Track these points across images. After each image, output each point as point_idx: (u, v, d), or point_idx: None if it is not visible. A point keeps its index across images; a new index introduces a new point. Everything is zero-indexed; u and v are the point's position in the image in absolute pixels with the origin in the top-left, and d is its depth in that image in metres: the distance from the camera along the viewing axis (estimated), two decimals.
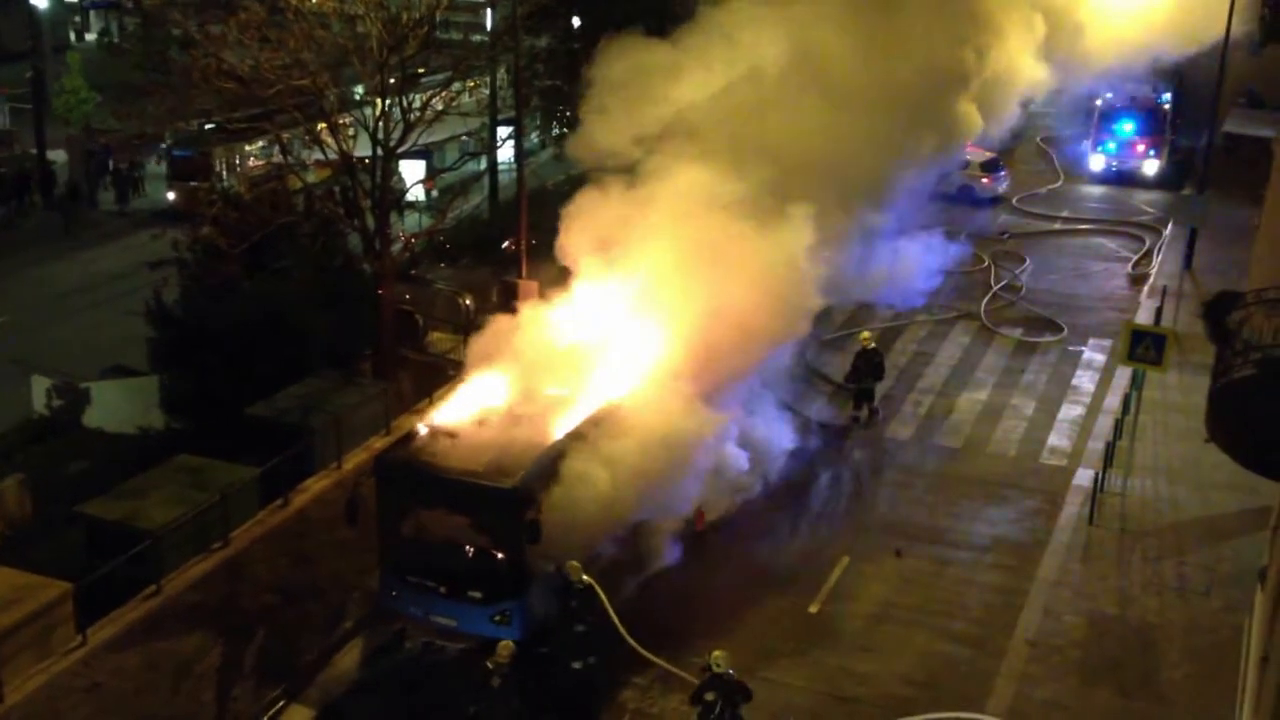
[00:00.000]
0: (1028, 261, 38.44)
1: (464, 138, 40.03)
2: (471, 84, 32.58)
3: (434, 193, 33.80)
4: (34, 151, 47.02)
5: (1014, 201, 44.56)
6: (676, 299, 22.02)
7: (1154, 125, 47.30)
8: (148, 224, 38.26)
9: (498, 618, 18.76)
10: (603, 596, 18.90)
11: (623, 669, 19.47)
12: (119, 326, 29.66)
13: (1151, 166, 47.46)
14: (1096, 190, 47.09)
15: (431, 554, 19.26)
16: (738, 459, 23.46)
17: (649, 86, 23.91)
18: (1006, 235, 40.78)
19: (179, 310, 25.57)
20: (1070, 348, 32.59)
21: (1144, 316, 32.38)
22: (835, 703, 19.23)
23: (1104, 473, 24.86)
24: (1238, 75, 42.13)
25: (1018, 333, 33.46)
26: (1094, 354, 32.17)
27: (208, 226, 24.64)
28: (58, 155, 47.49)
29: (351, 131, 25.52)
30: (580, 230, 22.71)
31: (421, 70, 27.29)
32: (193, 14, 24.07)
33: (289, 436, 21.92)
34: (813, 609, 21.51)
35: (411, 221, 33.36)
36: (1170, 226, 39.76)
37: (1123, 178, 47.52)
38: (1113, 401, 28.75)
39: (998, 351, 32.43)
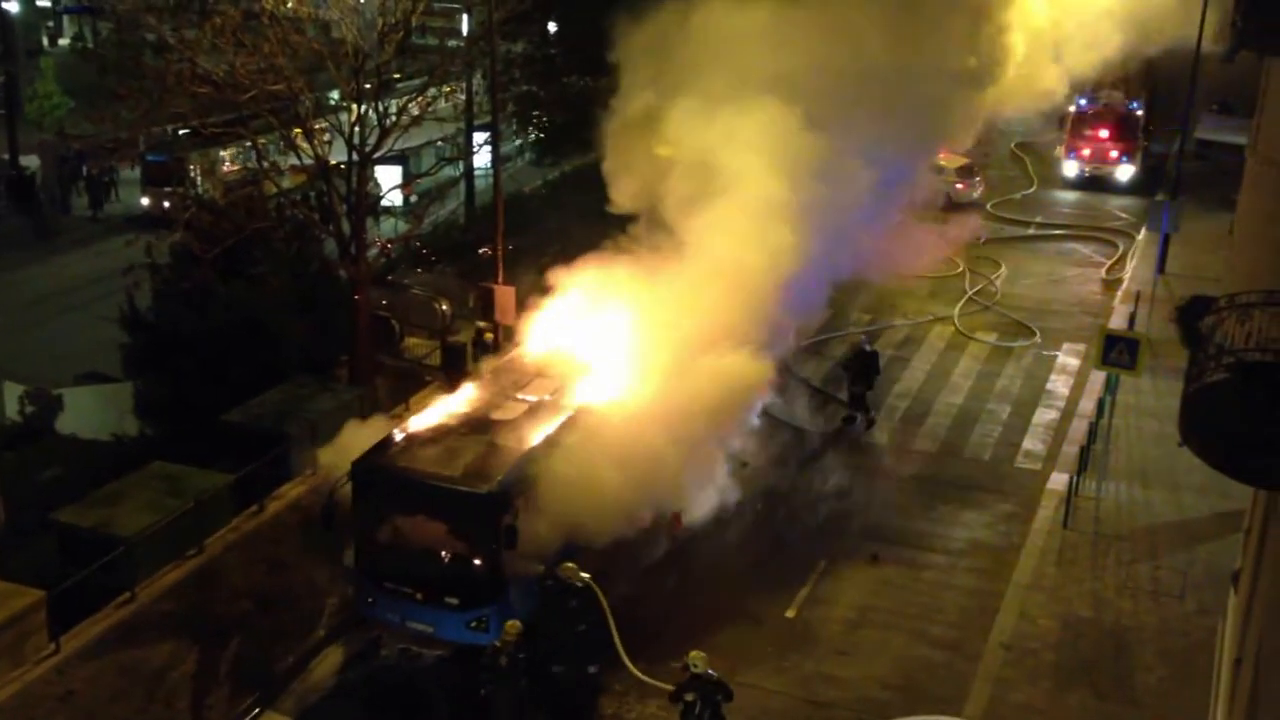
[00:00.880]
0: (1002, 267, 38.61)
1: (440, 143, 39.99)
2: (448, 89, 32.53)
3: (412, 198, 33.73)
4: (5, 157, 46.75)
5: (988, 207, 44.76)
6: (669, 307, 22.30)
7: (1127, 131, 47.62)
8: (121, 229, 38.14)
9: (474, 624, 18.73)
10: (601, 596, 18.92)
11: (603, 674, 19.47)
12: (92, 332, 29.48)
13: (1125, 172, 47.77)
14: (1070, 196, 47.38)
15: (408, 560, 19.21)
16: (715, 463, 23.50)
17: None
18: (981, 240, 40.94)
19: (153, 316, 25.45)
20: (1045, 352, 32.75)
21: (1117, 321, 32.55)
22: (811, 707, 19.24)
23: (1078, 477, 24.98)
24: (1210, 83, 42.47)
25: (993, 338, 33.60)
26: (1068, 358, 32.33)
27: (182, 232, 24.54)
28: (30, 161, 47.20)
29: (327, 137, 25.47)
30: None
31: (397, 75, 27.26)
32: (167, 18, 23.95)
33: (264, 443, 21.85)
34: (789, 613, 21.53)
35: (388, 227, 33.29)
36: (1143, 232, 40.00)
37: (1096, 183, 47.82)
38: (1087, 406, 28.88)
39: (973, 356, 32.56)
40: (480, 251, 31.48)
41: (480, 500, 18.56)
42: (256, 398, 23.29)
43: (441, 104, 28.29)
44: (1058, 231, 43.04)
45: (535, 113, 42.63)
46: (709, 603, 21.58)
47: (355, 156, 25.12)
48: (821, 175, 23.21)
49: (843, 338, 31.95)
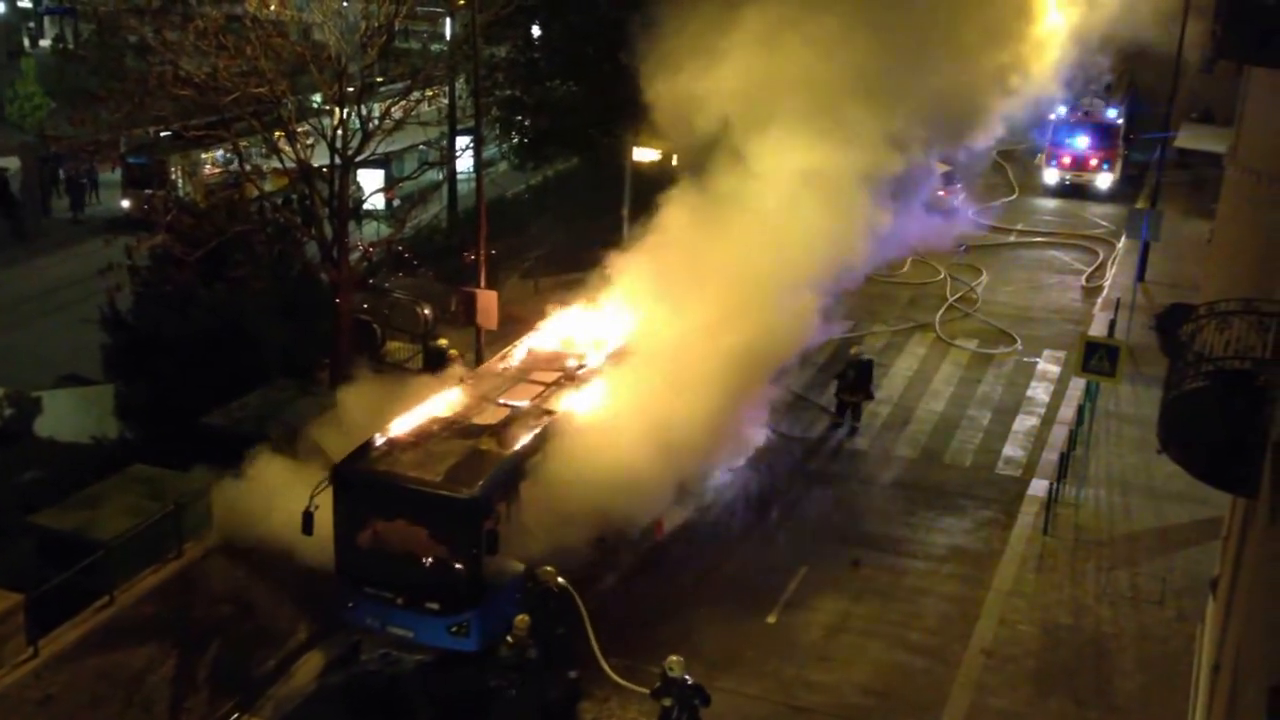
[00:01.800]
0: (983, 274, 38.74)
1: (423, 147, 39.92)
2: (431, 93, 32.47)
3: (394, 202, 33.66)
4: None
5: (970, 214, 44.90)
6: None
7: (1107, 140, 47.84)
8: (102, 231, 37.97)
9: (455, 629, 18.70)
10: (579, 601, 18.92)
11: (583, 680, 19.48)
12: (72, 335, 29.33)
13: (1105, 180, 47.98)
14: (1051, 204, 47.59)
15: (389, 564, 19.16)
16: (699, 468, 23.56)
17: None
18: (963, 248, 41.06)
19: (133, 318, 25.33)
20: (1025, 359, 32.87)
21: (1098, 329, 32.69)
22: (792, 712, 19.27)
23: (1058, 483, 25.09)
24: (1191, 92, 42.77)
25: (973, 344, 33.70)
26: (1049, 365, 32.44)
27: (162, 234, 24.44)
28: (10, 162, 46.93)
29: (309, 140, 25.39)
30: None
31: (380, 79, 27.20)
32: (149, 20, 23.85)
33: (244, 446, 21.74)
34: (770, 619, 21.56)
35: (370, 230, 33.21)
36: (1123, 239, 40.19)
37: (1077, 191, 48.04)
38: (1067, 413, 29.00)
39: (954, 363, 32.66)
40: (463, 256, 31.42)
41: (461, 505, 18.53)
42: (237, 401, 23.18)
43: (424, 108, 28.19)
44: (1039, 239, 43.20)
45: (519, 117, 42.56)
46: (690, 607, 21.60)
47: (337, 160, 25.06)
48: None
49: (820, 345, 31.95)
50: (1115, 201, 46.45)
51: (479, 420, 20.70)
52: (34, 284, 38.07)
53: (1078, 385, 29.28)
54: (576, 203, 39.91)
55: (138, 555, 18.93)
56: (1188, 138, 44.73)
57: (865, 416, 28.78)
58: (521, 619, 18.01)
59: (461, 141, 38.69)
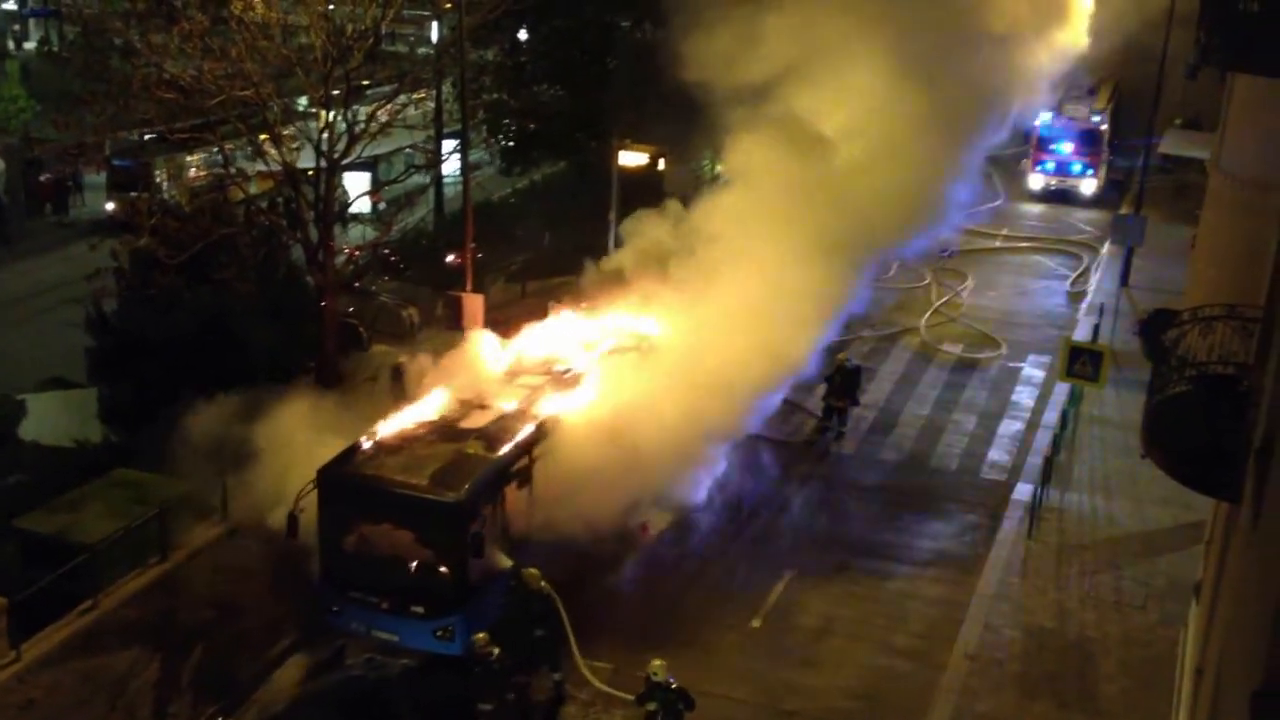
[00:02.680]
0: (969, 279, 38.83)
1: (409, 150, 39.90)
2: (417, 96, 32.44)
3: (380, 205, 33.62)
4: None
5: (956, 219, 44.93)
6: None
7: (1092, 145, 48.01)
8: (86, 234, 37.82)
9: (440, 633, 18.67)
10: (561, 608, 18.91)
11: (568, 683, 19.47)
12: (57, 338, 29.25)
13: (1089, 186, 48.15)
14: (1036, 209, 47.74)
15: (374, 568, 19.13)
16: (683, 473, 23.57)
17: None
18: (948, 253, 41.14)
19: (118, 321, 25.25)
20: (1010, 364, 32.95)
21: (1082, 333, 32.80)
22: (777, 717, 19.28)
23: (1043, 487, 25.15)
24: (1176, 98, 42.88)
25: (959, 349, 33.78)
26: (1033, 370, 32.54)
27: (147, 237, 24.36)
28: None
29: (295, 143, 25.34)
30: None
31: (366, 82, 27.16)
32: (134, 23, 23.79)
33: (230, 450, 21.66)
34: (755, 623, 21.57)
35: (356, 234, 33.16)
36: (1107, 245, 40.33)
37: (1061, 196, 48.19)
38: (1051, 417, 29.08)
39: (939, 367, 32.73)
40: (448, 259, 31.40)
41: (447, 509, 18.51)
42: (222, 405, 23.10)
43: (411, 111, 28.16)
44: (1023, 244, 43.33)
45: (505, 120, 42.54)
46: (675, 610, 21.61)
47: (323, 163, 25.02)
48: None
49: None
50: (1100, 206, 46.63)
51: (465, 424, 20.69)
52: (17, 287, 37.93)
53: (1062, 390, 29.38)
54: (563, 207, 39.88)
55: (122, 559, 18.88)
56: (1172, 143, 44.92)
57: (851, 420, 28.81)
58: (481, 635, 17.94)
59: (448, 145, 38.63)
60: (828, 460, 27.54)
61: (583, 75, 39.54)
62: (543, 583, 18.95)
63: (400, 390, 23.38)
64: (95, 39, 24.49)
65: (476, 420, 20.82)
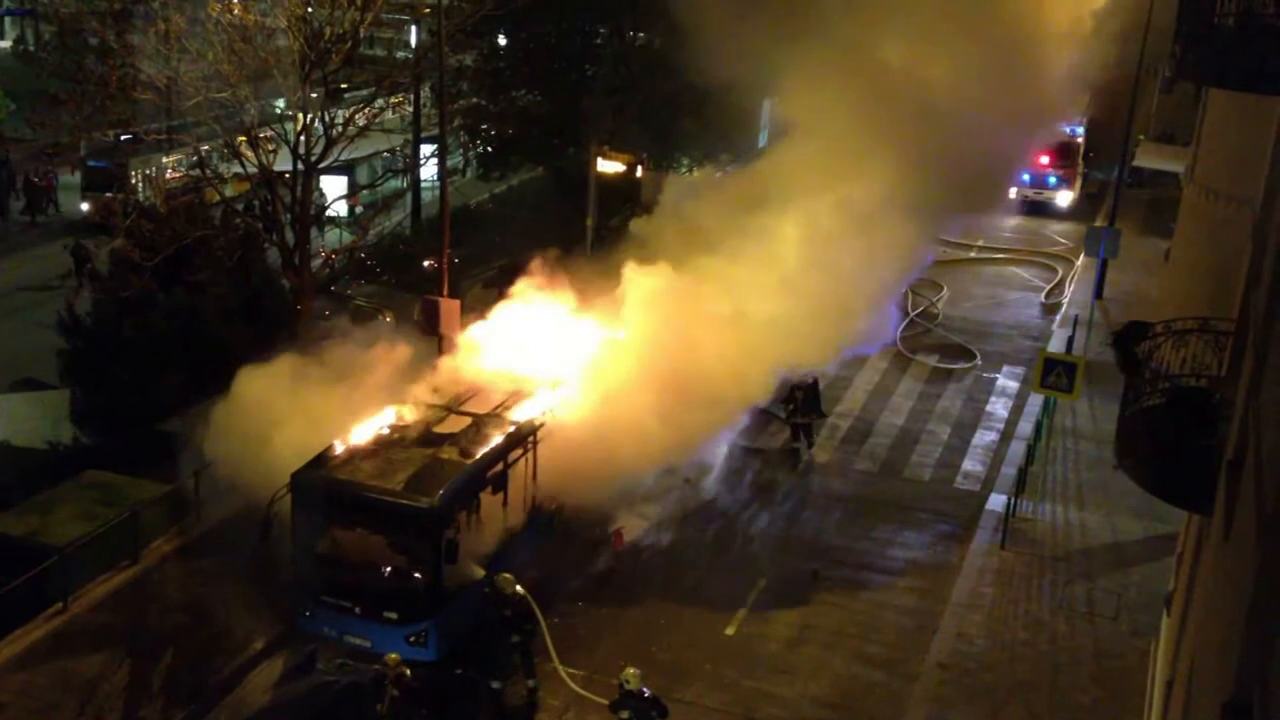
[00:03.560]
0: (944, 289, 38.98)
1: (386, 154, 39.86)
2: (396, 100, 32.42)
3: (357, 209, 33.56)
4: None
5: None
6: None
7: (1067, 158, 48.31)
8: (60, 235, 37.59)
9: (413, 638, 18.60)
10: (536, 608, 18.86)
11: (541, 690, 19.43)
12: (29, 338, 29.06)
13: (1065, 198, 48.44)
14: (1011, 221, 47.95)
15: (346, 573, 19.05)
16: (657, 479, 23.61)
17: None
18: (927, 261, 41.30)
19: (91, 322, 25.13)
20: (985, 374, 33.08)
21: (1056, 345, 32.97)
22: None
23: (1016, 498, 25.25)
24: (1152, 113, 43.21)
25: (934, 359, 33.88)
26: (1008, 381, 32.67)
27: (121, 238, 24.26)
28: None
29: (272, 145, 25.27)
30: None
31: (344, 85, 27.12)
32: (111, 22, 23.71)
33: (203, 452, 21.58)
34: (729, 631, 21.55)
35: (333, 237, 33.07)
36: (1082, 257, 40.55)
37: (1037, 208, 48.46)
38: (1025, 428, 29.20)
39: (914, 377, 32.82)
40: (425, 264, 31.36)
41: (421, 514, 18.44)
42: (195, 407, 23.01)
43: (389, 115, 28.14)
44: (999, 256, 43.53)
45: (484, 125, 42.54)
46: (649, 618, 21.58)
47: (300, 166, 24.95)
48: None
49: None
50: (1075, 219, 46.89)
51: (440, 429, 20.62)
52: None
53: (1036, 401, 29.51)
54: (541, 212, 39.90)
55: (92, 561, 18.77)
56: (1146, 157, 45.24)
57: (825, 430, 28.84)
58: (391, 656, 17.84)
59: (425, 149, 38.61)
60: (801, 469, 27.53)
61: (561, 82, 39.58)
62: (517, 587, 18.90)
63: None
64: (71, 38, 24.44)
65: (452, 425, 20.75)
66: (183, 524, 20.79)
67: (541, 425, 21.22)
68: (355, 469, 19.38)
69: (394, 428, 20.63)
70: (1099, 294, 37.33)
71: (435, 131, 31.29)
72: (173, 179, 41.37)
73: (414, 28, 41.31)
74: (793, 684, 20.21)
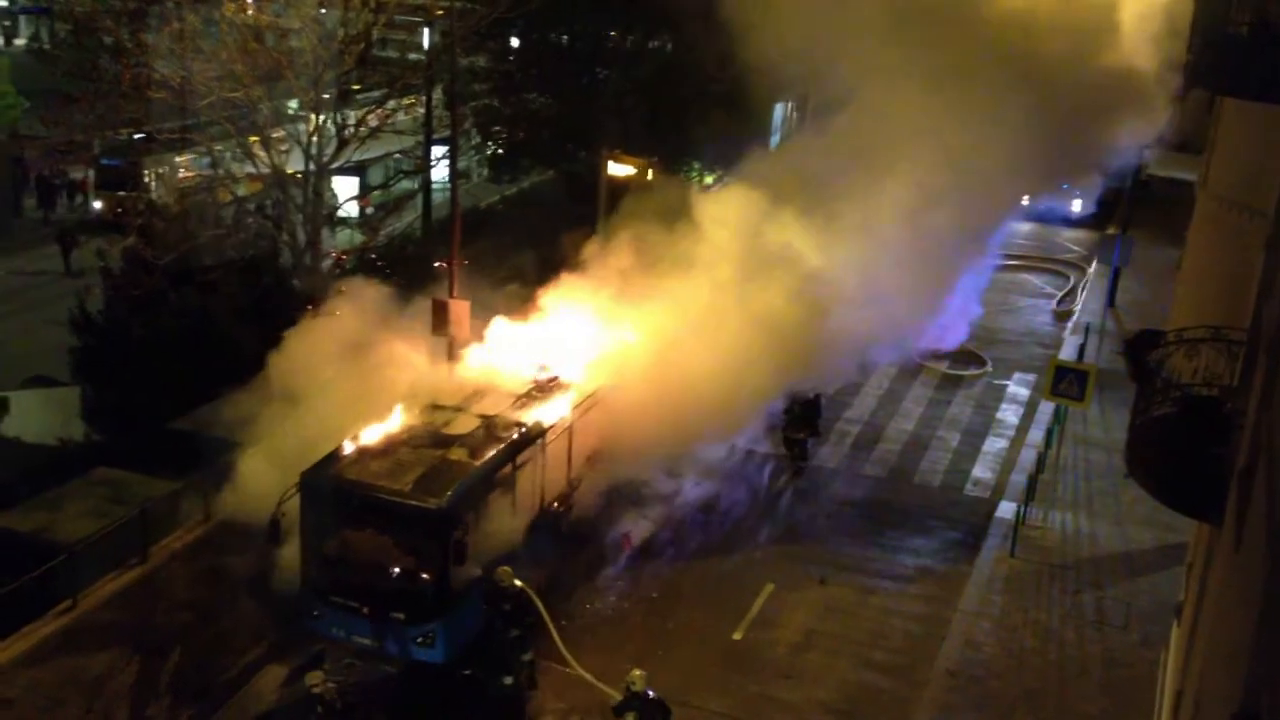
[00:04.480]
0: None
1: (398, 156, 39.90)
2: (407, 101, 32.45)
3: (368, 210, 33.57)
4: None
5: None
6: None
7: None
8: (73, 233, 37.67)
9: (421, 639, 18.59)
10: (537, 600, 18.84)
11: (545, 694, 19.42)
12: (41, 335, 29.13)
13: (1078, 205, 48.29)
14: (1024, 227, 47.82)
15: (355, 574, 19.04)
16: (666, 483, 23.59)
17: None
18: None
19: (103, 320, 25.18)
20: (995, 381, 33.01)
21: (1067, 353, 32.89)
22: None
23: (1026, 506, 25.18)
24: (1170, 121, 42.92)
25: (944, 365, 33.82)
26: (1018, 388, 32.61)
27: (134, 236, 24.31)
28: None
29: (284, 146, 25.31)
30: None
31: (357, 87, 27.15)
32: (125, 22, 23.76)
33: (212, 451, 21.59)
34: (736, 635, 21.54)
35: (343, 237, 33.10)
36: (1094, 264, 40.46)
37: (1049, 216, 48.32)
38: (1036, 435, 29.14)
39: (924, 383, 32.77)
40: (435, 265, 31.31)
41: (430, 515, 18.43)
42: (206, 406, 23.03)
43: (400, 116, 28.15)
44: (1011, 262, 43.44)
45: (495, 127, 42.56)
46: (656, 622, 21.57)
47: (312, 166, 24.98)
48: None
49: None
50: (1087, 226, 46.76)
51: (449, 430, 20.61)
52: (2, 284, 37.74)
53: (1047, 408, 29.44)
54: (551, 215, 39.86)
55: (101, 559, 18.76)
56: (1160, 164, 45.11)
57: (835, 435, 28.78)
58: (312, 674, 17.82)
59: (436, 151, 38.64)
60: (810, 473, 27.47)
61: (573, 85, 39.58)
62: (515, 580, 18.83)
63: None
64: (86, 37, 24.48)
65: (461, 426, 20.74)
66: (191, 522, 20.80)
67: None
68: (364, 469, 19.37)
69: (404, 428, 20.62)
70: (1111, 302, 37.26)
71: (447, 133, 31.35)
72: (186, 178, 41.49)
73: (427, 30, 41.32)
74: (799, 689, 20.18)
